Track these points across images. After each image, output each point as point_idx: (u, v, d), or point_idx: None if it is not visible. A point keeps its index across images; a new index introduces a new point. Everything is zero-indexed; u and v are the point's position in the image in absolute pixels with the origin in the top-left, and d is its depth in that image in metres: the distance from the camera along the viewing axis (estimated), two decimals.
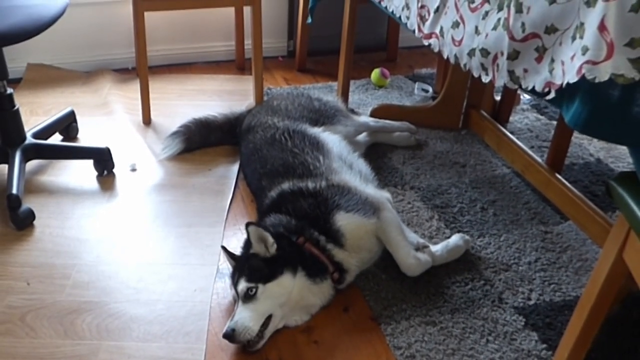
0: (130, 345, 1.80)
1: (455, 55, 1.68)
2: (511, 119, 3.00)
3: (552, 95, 1.32)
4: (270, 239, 1.87)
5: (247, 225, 1.87)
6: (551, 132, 2.81)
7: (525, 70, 1.40)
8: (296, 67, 3.58)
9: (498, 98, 2.97)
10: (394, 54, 3.71)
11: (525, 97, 3.20)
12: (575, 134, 2.67)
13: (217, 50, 3.61)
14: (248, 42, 3.21)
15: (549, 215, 2.34)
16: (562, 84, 1.26)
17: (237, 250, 2.04)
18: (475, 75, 1.60)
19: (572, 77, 1.20)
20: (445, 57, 1.75)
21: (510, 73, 1.44)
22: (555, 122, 2.82)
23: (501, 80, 1.49)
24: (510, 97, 2.92)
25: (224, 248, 2.04)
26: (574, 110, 1.26)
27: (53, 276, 2.04)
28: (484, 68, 1.56)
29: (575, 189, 2.26)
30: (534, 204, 2.40)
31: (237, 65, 3.56)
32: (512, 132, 2.73)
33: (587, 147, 2.80)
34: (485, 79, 1.57)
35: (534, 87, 1.39)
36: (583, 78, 1.16)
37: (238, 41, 3.49)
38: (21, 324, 1.86)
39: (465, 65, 1.64)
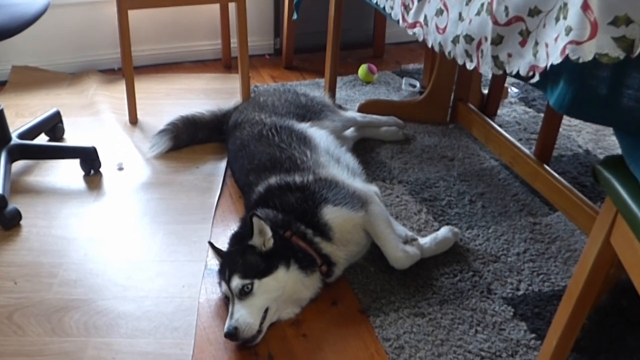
0: (118, 341, 1.79)
1: (440, 43, 1.68)
2: (499, 112, 3.00)
3: (536, 78, 1.31)
4: (269, 233, 1.86)
5: (252, 216, 1.84)
6: (539, 124, 2.79)
7: (510, 55, 1.40)
8: (283, 64, 3.57)
9: (486, 91, 2.97)
10: (381, 50, 3.70)
11: (513, 90, 3.20)
12: (564, 126, 2.68)
13: (204, 49, 3.60)
14: (234, 41, 3.19)
15: (538, 206, 2.34)
16: (546, 67, 1.26)
17: (225, 246, 2.03)
18: (460, 62, 1.60)
19: (555, 59, 1.19)
20: (429, 45, 1.75)
21: (495, 58, 1.44)
22: (542, 115, 2.82)
23: (485, 66, 1.48)
24: (497, 90, 2.92)
25: (211, 244, 2.02)
26: (558, 93, 1.26)
27: (40, 275, 2.03)
28: (468, 55, 1.55)
29: (564, 180, 2.25)
30: (523, 196, 2.40)
31: (223, 63, 3.55)
32: (500, 125, 2.72)
33: (575, 138, 2.80)
34: (470, 66, 1.56)
35: (518, 71, 1.38)
36: (567, 59, 1.15)
37: (224, 39, 3.48)
38: (8, 323, 1.84)
39: (449, 53, 1.64)
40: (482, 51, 1.49)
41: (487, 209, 2.33)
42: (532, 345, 1.76)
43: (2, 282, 1.99)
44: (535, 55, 1.31)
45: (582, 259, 1.45)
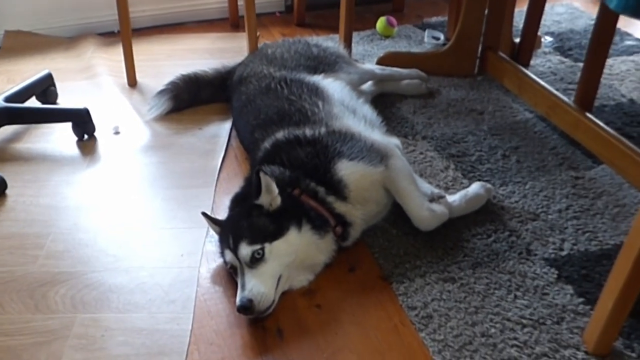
0: (108, 317, 1.60)
1: None
2: (532, 62, 2.74)
3: None
4: (275, 191, 1.64)
5: (258, 172, 1.62)
6: (577, 74, 2.57)
7: None
8: (295, 21, 3.35)
9: (517, 40, 2.71)
10: (400, 4, 3.44)
11: (547, 39, 2.95)
12: (604, 74, 2.41)
13: (209, 7, 3.38)
14: None
15: (580, 159, 2.10)
16: None
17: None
18: None
19: None
20: None
21: None
22: (581, 64, 2.57)
23: None
24: (530, 38, 2.66)
25: (205, 214, 1.81)
26: None
27: (25, 247, 1.85)
28: None
29: (610, 129, 2.00)
30: (562, 149, 2.15)
31: (230, 22, 3.34)
32: None
33: (618, 87, 2.54)
34: None
35: None
36: None
37: None
38: None
39: None
40: None
41: (522, 164, 2.08)
42: (581, 311, 1.54)
43: None
44: None
45: None
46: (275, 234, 1.60)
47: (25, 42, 3.12)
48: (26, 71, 2.82)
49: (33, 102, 2.54)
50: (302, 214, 1.65)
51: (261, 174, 1.62)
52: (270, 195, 1.64)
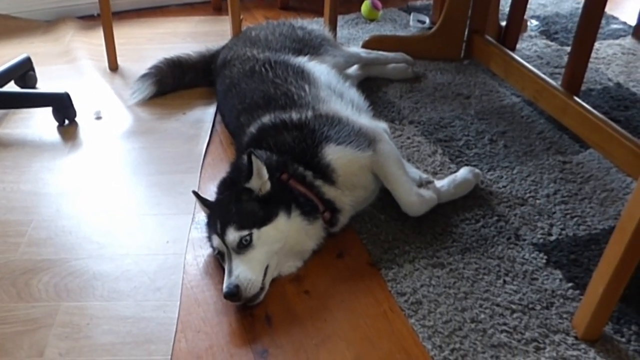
0: (92, 305, 1.57)
1: None
2: (518, 46, 2.73)
3: None
4: (266, 175, 1.61)
5: (250, 153, 1.59)
6: (563, 58, 2.58)
7: None
8: (278, 5, 3.31)
9: (503, 24, 2.69)
10: None
11: (533, 22, 2.93)
12: (591, 58, 2.40)
13: None
14: None
15: (567, 144, 2.09)
16: None
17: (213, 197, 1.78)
18: None
19: None
20: None
21: None
22: (567, 48, 2.56)
23: None
24: (516, 21, 2.64)
25: (195, 193, 1.78)
26: None
27: (6, 234, 1.81)
28: None
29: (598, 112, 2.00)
30: (549, 133, 2.14)
31: (213, 5, 3.30)
32: None
33: (604, 71, 2.53)
34: None
35: None
36: None
37: None
38: None
39: None
40: None
41: (510, 149, 2.07)
42: (570, 296, 1.53)
43: None
44: None
45: (638, 185, 1.21)
46: (264, 220, 1.58)
47: (1, 26, 3.05)
48: (3, 55, 2.74)
49: (12, 87, 2.47)
50: (291, 200, 1.63)
51: (253, 157, 1.59)
52: (261, 180, 1.62)
